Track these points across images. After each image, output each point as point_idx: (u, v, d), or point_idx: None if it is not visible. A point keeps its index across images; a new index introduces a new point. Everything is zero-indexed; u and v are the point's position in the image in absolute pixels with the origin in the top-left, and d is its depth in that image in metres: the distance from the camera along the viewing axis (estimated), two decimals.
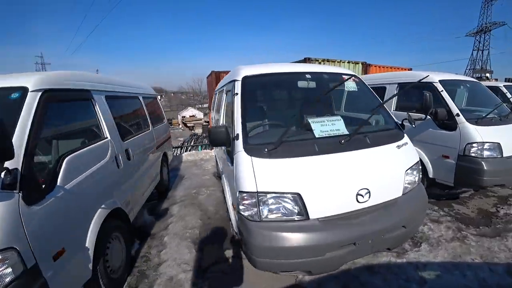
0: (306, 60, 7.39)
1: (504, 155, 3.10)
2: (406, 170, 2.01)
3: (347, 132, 2.01)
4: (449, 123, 3.25)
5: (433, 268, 2.28)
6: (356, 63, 8.54)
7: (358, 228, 1.72)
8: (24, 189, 1.34)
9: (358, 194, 1.76)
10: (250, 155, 1.73)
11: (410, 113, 2.47)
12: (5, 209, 1.25)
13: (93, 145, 2.05)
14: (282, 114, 2.40)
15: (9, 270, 1.23)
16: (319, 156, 1.80)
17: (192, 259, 2.43)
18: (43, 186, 1.49)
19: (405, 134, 2.30)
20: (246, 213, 1.66)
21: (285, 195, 1.66)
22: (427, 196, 2.23)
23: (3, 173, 1.24)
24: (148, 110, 3.67)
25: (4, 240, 1.20)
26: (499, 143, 3.10)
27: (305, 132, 2.00)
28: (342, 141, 1.89)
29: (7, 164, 1.24)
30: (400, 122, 2.43)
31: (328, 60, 7.81)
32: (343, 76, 2.53)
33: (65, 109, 1.94)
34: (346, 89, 2.49)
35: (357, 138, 1.98)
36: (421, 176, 2.19)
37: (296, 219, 1.68)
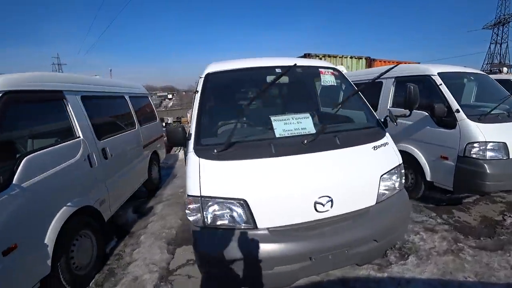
0: (306, 56, 7.25)
1: (511, 156, 2.85)
2: (383, 175, 1.82)
3: (313, 131, 1.87)
4: (448, 120, 3.03)
5: (417, 286, 2.09)
6: (360, 58, 8.23)
7: (316, 241, 1.58)
8: None
9: (317, 203, 1.60)
10: (199, 157, 1.69)
11: (390, 109, 2.32)
12: None
13: (60, 145, 2.16)
14: (247, 112, 2.33)
15: None
16: (274, 158, 1.68)
17: (161, 260, 2.48)
18: None
19: (386, 134, 2.12)
20: (191, 218, 1.61)
21: (230, 201, 1.57)
22: (410, 205, 2.07)
23: None
24: (136, 109, 3.78)
25: None
26: (504, 143, 2.85)
27: (267, 132, 1.92)
28: (305, 142, 1.75)
29: None
30: (382, 120, 2.27)
31: (329, 56, 7.59)
32: (320, 70, 2.40)
33: (31, 110, 2.06)
34: (322, 83, 2.34)
35: (325, 138, 1.84)
36: (403, 181, 2.01)
37: (243, 227, 1.59)
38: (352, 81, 4.71)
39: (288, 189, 1.62)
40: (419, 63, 8.96)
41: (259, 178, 1.63)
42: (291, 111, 2.49)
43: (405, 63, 8.54)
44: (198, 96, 2.06)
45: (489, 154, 2.81)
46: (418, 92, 2.10)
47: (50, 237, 1.88)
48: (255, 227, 1.59)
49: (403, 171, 2.01)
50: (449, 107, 3.02)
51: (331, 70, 2.45)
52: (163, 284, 2.21)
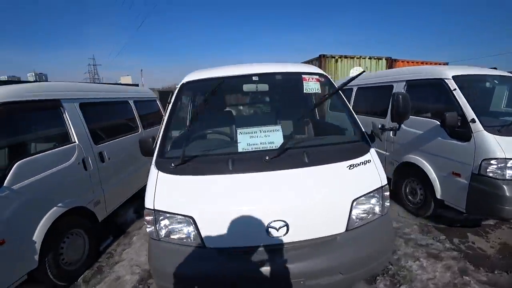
0: (320, 57, 6.98)
1: None
2: (357, 199, 1.65)
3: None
4: (461, 131, 2.72)
5: None
6: (379, 58, 7.64)
7: (265, 268, 1.51)
8: None
9: (270, 227, 1.51)
10: (158, 169, 1.74)
11: (373, 122, 2.13)
12: None
13: (53, 150, 2.40)
14: (219, 124, 2.31)
15: None
16: (229, 175, 1.64)
17: (145, 263, 2.63)
18: None
19: (371, 150, 1.90)
20: (148, 230, 1.66)
21: (179, 217, 1.57)
22: (393, 232, 1.85)
23: None
24: (141, 113, 4.03)
25: None
26: None
27: (232, 145, 1.90)
28: (267, 158, 1.67)
29: None
30: (369, 132, 2.05)
31: (345, 57, 7.18)
32: (303, 77, 2.26)
33: (29, 118, 2.33)
34: (304, 91, 2.21)
35: (292, 154, 1.74)
36: (387, 204, 1.79)
37: (192, 245, 1.59)
38: (360, 85, 4.52)
39: (239, 210, 1.55)
40: (447, 63, 8.14)
41: (209, 196, 1.60)
42: (268, 122, 2.45)
43: (431, 63, 7.80)
44: (169, 106, 2.12)
45: (509, 173, 2.47)
46: (408, 102, 1.88)
47: (38, 235, 2.11)
48: (203, 246, 1.57)
49: (387, 193, 1.78)
50: (463, 115, 2.70)
51: (317, 77, 2.31)
52: (141, 286, 2.34)
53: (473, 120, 2.64)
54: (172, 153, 1.89)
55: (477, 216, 3.00)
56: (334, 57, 6.97)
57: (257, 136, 1.89)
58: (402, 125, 3.38)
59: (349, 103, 4.63)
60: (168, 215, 1.59)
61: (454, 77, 2.94)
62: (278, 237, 1.54)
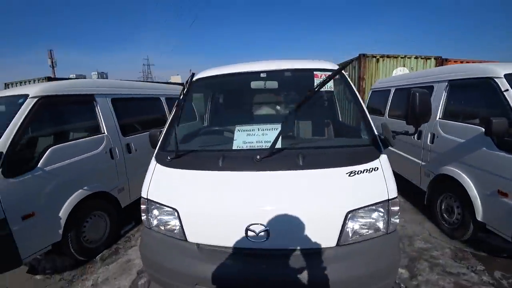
0: (360, 57, 6.48)
1: None
2: (353, 211, 1.48)
3: (279, 146, 1.71)
4: (507, 140, 2.28)
5: None
6: (427, 58, 6.69)
7: (241, 272, 1.46)
8: (3, 166, 2.03)
9: (248, 230, 1.46)
10: (156, 161, 1.84)
11: (384, 123, 1.84)
12: None
13: (84, 139, 2.73)
14: (224, 120, 2.30)
15: None
16: (217, 172, 1.63)
17: None
18: (22, 166, 2.18)
19: (381, 156, 1.67)
20: (142, 218, 1.77)
21: (166, 208, 1.63)
22: (398, 254, 1.56)
23: None
24: (171, 109, 4.31)
25: None
26: None
27: (229, 142, 1.88)
28: (258, 157, 1.61)
29: None
30: (383, 136, 1.76)
31: (388, 56, 6.50)
32: (315, 73, 2.11)
33: (63, 110, 2.69)
34: (316, 89, 2.13)
35: (287, 155, 1.66)
36: (395, 220, 1.55)
37: (176, 237, 1.62)
38: (398, 86, 4.10)
39: (221, 208, 1.54)
40: None
41: (193, 191, 1.62)
42: (276, 120, 2.38)
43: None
44: (177, 102, 2.21)
45: None
46: (428, 102, 1.62)
47: (63, 212, 2.43)
48: (185, 239, 1.59)
49: (395, 208, 1.55)
50: None
51: (330, 73, 2.16)
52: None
53: None
54: (173, 146, 1.96)
55: None
56: (375, 57, 6.43)
57: (254, 134, 1.85)
58: (441, 132, 3.06)
59: (386, 105, 4.30)
60: (158, 205, 1.67)
61: (506, 76, 2.47)
62: (257, 241, 1.47)
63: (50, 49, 22.92)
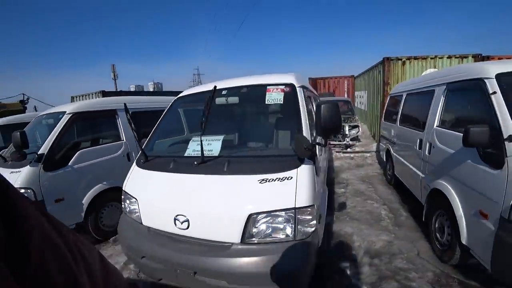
0: (384, 60, 5.87)
1: None
2: (256, 214, 1.70)
3: (216, 154, 2.11)
4: (493, 153, 2.00)
5: None
6: (464, 56, 5.47)
7: (168, 251, 1.83)
8: (44, 163, 2.94)
9: (176, 219, 1.84)
10: (136, 164, 2.42)
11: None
12: (33, 171, 2.88)
13: (105, 145, 3.57)
14: (192, 131, 2.72)
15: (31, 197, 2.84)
16: (166, 173, 2.11)
17: None
18: (57, 164, 3.07)
19: (301, 166, 1.82)
20: (122, 206, 2.35)
21: (132, 198, 2.15)
22: (298, 262, 1.63)
23: (37, 156, 2.89)
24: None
25: (24, 182, 2.81)
26: None
27: (184, 150, 2.35)
28: (195, 163, 2.04)
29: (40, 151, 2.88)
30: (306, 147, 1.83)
31: (415, 58, 5.63)
32: (268, 88, 2.38)
33: (92, 122, 3.57)
34: (266, 102, 2.33)
35: (219, 161, 2.01)
36: (306, 229, 1.67)
37: (138, 221, 2.10)
38: (409, 91, 3.80)
39: (161, 200, 2.02)
40: None
41: (149, 186, 2.15)
42: (230, 132, 2.71)
43: None
44: (162, 116, 2.80)
45: None
46: (336, 114, 1.71)
47: (86, 200, 3.26)
48: (141, 223, 2.10)
49: (306, 217, 1.70)
50: (499, 130, 1.97)
51: (282, 87, 2.36)
52: None
53: (509, 138, 1.89)
54: (147, 152, 2.52)
55: (506, 281, 2.03)
56: (400, 59, 5.76)
57: (204, 144, 2.26)
58: (437, 141, 2.83)
59: (397, 112, 4.00)
60: (128, 196, 2.23)
61: (498, 76, 2.15)
62: (181, 229, 1.87)
63: (112, 63, 27.12)
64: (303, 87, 2.43)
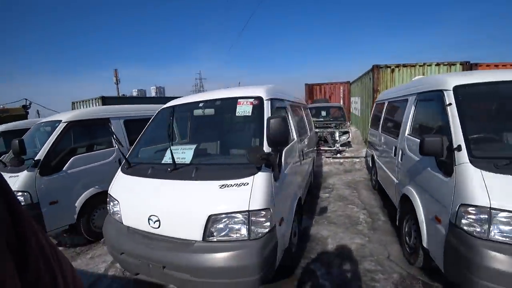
0: (374, 68, 6.02)
1: None
2: (213, 215, 1.92)
3: (188, 162, 2.35)
4: (445, 161, 2.15)
5: None
6: (452, 64, 5.57)
7: (141, 247, 2.06)
8: (40, 168, 3.19)
9: (149, 219, 2.08)
10: (121, 170, 2.65)
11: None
12: (30, 175, 3.13)
13: (98, 151, 3.82)
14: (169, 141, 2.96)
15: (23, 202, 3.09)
16: (142, 178, 2.35)
17: None
18: (52, 169, 3.32)
19: (258, 174, 2.02)
20: (107, 207, 2.57)
21: (115, 200, 2.40)
22: (260, 261, 1.84)
23: (34, 161, 3.14)
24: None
25: (21, 186, 3.05)
26: None
27: (162, 158, 2.57)
28: (168, 169, 2.28)
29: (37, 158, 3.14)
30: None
31: (404, 65, 5.76)
32: (239, 101, 2.59)
33: (87, 130, 3.83)
34: (237, 113, 2.54)
35: (189, 169, 2.24)
36: (259, 231, 1.90)
37: (119, 221, 2.33)
38: (390, 99, 3.96)
39: (137, 201, 2.25)
40: None
41: (129, 189, 2.38)
42: (206, 141, 2.94)
43: None
44: (147, 125, 3.03)
45: (494, 231, 1.79)
46: (284, 127, 1.93)
47: (78, 203, 3.50)
48: (122, 223, 2.33)
49: (259, 219, 1.92)
50: (451, 140, 2.12)
51: (251, 100, 2.57)
52: None
53: (458, 148, 2.04)
54: (131, 159, 2.74)
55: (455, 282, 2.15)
56: (389, 67, 5.91)
57: (177, 152, 2.50)
58: (407, 149, 2.96)
59: (380, 119, 4.15)
60: (112, 198, 2.46)
61: (456, 88, 2.31)
62: (153, 227, 2.10)
63: (116, 68, 27.71)
64: (273, 99, 2.62)
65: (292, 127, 3.08)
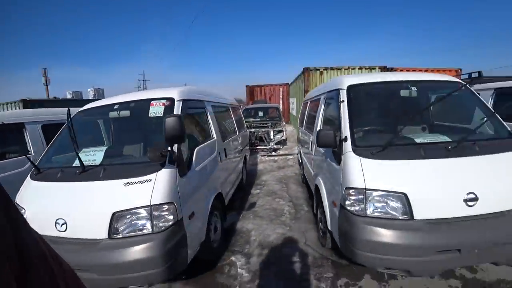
0: (304, 70, 6.71)
1: (418, 217, 2.03)
2: (118, 212, 1.97)
3: (97, 163, 2.37)
4: (337, 152, 2.47)
5: None
6: (372, 68, 6.63)
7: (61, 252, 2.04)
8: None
9: (56, 223, 2.03)
10: (30, 176, 2.48)
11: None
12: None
13: (11, 159, 3.49)
14: (91, 143, 2.95)
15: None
16: (51, 182, 2.30)
17: None
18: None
19: (162, 170, 2.10)
20: None
21: (22, 208, 2.20)
22: (163, 254, 1.93)
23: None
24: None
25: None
26: (403, 194, 2.06)
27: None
28: (77, 172, 2.25)
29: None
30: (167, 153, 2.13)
31: (332, 68, 6.60)
32: (152, 102, 2.63)
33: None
34: (150, 114, 2.57)
35: (98, 170, 2.24)
36: (160, 225, 1.98)
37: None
38: (310, 99, 4.34)
39: (43, 207, 2.19)
40: (460, 70, 6.66)
41: (36, 195, 2.30)
42: (121, 142, 2.96)
43: (438, 71, 6.27)
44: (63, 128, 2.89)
45: (370, 209, 2.12)
46: (179, 126, 2.01)
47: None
48: None
49: (161, 213, 1.99)
50: (341, 132, 2.46)
51: (163, 101, 2.63)
52: None
53: (345, 139, 2.38)
54: (45, 164, 2.58)
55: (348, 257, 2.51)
56: (318, 70, 6.60)
57: (89, 155, 2.47)
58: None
59: (304, 117, 4.52)
60: (20, 207, 2.23)
61: (349, 87, 2.68)
62: (60, 231, 2.04)
63: (44, 67, 23.83)
64: (186, 100, 2.72)
65: (212, 127, 3.20)
